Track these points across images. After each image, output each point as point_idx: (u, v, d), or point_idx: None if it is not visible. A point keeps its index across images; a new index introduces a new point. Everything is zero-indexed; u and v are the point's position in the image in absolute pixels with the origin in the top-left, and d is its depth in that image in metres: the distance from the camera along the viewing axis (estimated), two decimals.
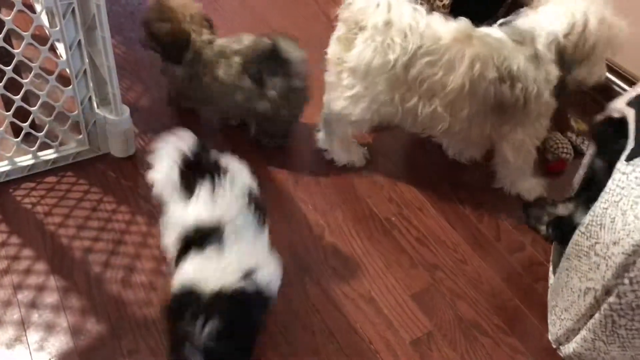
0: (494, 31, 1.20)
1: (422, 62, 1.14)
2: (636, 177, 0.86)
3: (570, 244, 0.99)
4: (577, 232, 0.96)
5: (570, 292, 1.00)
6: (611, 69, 1.64)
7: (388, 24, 1.14)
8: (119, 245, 1.15)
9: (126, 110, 1.27)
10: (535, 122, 1.24)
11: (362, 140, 1.42)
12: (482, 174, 1.39)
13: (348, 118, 1.27)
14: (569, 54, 1.19)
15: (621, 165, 0.90)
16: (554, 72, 1.18)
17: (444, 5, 1.78)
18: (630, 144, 0.92)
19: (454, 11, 1.80)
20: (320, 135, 1.39)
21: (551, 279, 1.14)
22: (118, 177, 1.28)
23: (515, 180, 1.35)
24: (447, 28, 1.16)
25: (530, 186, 1.35)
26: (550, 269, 1.18)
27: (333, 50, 1.24)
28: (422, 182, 1.38)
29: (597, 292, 0.91)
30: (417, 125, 1.25)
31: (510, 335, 1.10)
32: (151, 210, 1.22)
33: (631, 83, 1.55)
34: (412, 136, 1.48)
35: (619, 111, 1.02)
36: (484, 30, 1.19)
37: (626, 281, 0.84)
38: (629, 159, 0.90)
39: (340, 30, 1.22)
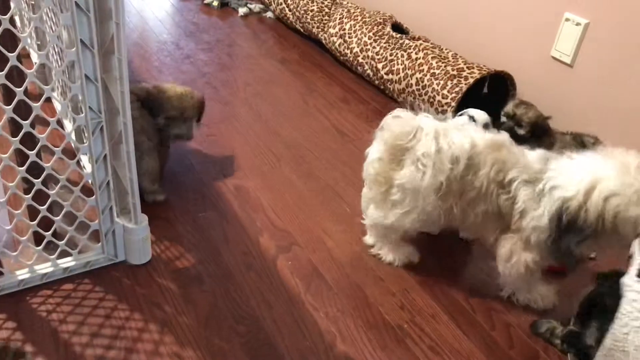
0: (529, 152, 1.28)
1: (460, 167, 1.26)
2: None
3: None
4: (597, 356, 0.95)
5: None
6: None
7: (439, 151, 1.25)
8: (131, 353, 1.15)
9: (145, 218, 1.32)
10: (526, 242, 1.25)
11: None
12: (494, 279, 1.40)
13: (398, 229, 1.37)
14: (569, 220, 1.16)
15: (632, 281, 0.91)
16: (544, 222, 1.20)
17: (447, 104, 1.87)
18: (638, 259, 0.94)
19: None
20: (369, 240, 1.48)
21: None
22: (132, 284, 1.31)
23: (517, 290, 1.36)
24: (483, 136, 1.28)
25: (536, 296, 1.35)
26: None
27: (377, 169, 1.34)
28: (433, 288, 1.39)
29: None
30: (450, 222, 1.34)
31: None
32: (164, 317, 1.23)
33: None
34: (424, 243, 1.51)
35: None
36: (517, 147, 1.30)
37: None
38: None
39: (380, 150, 1.33)
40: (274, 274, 1.39)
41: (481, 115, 1.61)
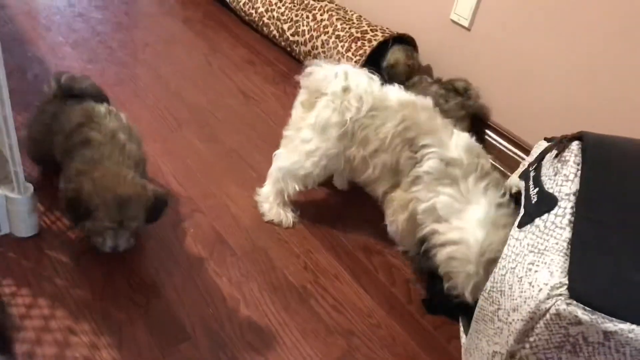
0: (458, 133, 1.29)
1: (368, 115, 1.29)
2: (528, 244, 0.92)
3: (477, 308, 1.04)
4: (481, 296, 1.01)
5: (480, 353, 1.03)
6: (509, 139, 1.78)
7: (346, 90, 1.30)
8: (19, 331, 1.08)
9: (30, 188, 1.23)
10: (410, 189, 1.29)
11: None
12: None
13: (297, 172, 1.37)
14: None
15: (514, 231, 0.96)
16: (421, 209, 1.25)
17: None
18: (522, 211, 0.99)
19: None
20: (262, 191, 1.46)
21: (463, 338, 1.18)
22: (19, 257, 1.22)
23: (408, 246, 1.37)
24: (398, 94, 1.33)
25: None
26: (461, 328, 1.22)
27: (296, 112, 1.39)
28: (336, 249, 1.41)
29: (503, 356, 0.94)
30: (351, 172, 1.37)
31: None
32: (55, 291, 1.16)
33: (527, 152, 1.68)
34: (330, 205, 1.52)
35: (514, 185, 1.11)
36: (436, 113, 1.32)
37: (527, 346, 0.89)
38: (521, 225, 0.96)
39: (302, 95, 1.38)
40: (174, 242, 1.34)
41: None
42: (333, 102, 1.31)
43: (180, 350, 1.11)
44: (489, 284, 0.98)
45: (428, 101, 1.34)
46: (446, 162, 1.22)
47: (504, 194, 1.21)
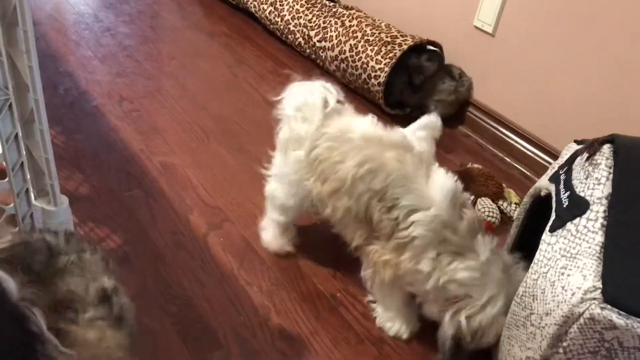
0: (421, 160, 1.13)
1: (324, 146, 1.16)
2: (560, 248, 0.91)
3: (509, 314, 1.03)
4: (513, 302, 1.00)
5: (512, 359, 1.02)
6: (536, 144, 1.77)
7: (304, 105, 1.20)
8: None
9: (65, 200, 1.26)
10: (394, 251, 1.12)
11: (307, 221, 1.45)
12: None
13: (275, 201, 1.31)
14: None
15: (546, 236, 0.96)
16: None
17: (379, 83, 1.89)
18: (553, 216, 0.98)
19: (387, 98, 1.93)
20: (264, 219, 1.41)
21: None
22: None
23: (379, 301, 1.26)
24: (363, 125, 1.17)
25: (392, 318, 1.25)
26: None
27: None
28: None
29: None
30: (313, 206, 1.25)
31: None
32: None
33: (554, 157, 1.67)
34: None
35: (544, 187, 1.10)
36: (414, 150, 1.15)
37: (560, 351, 0.88)
38: (552, 230, 0.96)
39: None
40: (205, 252, 1.36)
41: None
42: (289, 120, 1.22)
43: (213, 358, 1.13)
44: (521, 289, 0.97)
45: (396, 134, 1.17)
46: (437, 225, 1.07)
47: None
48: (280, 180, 1.27)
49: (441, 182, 1.10)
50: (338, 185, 1.14)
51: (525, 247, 1.21)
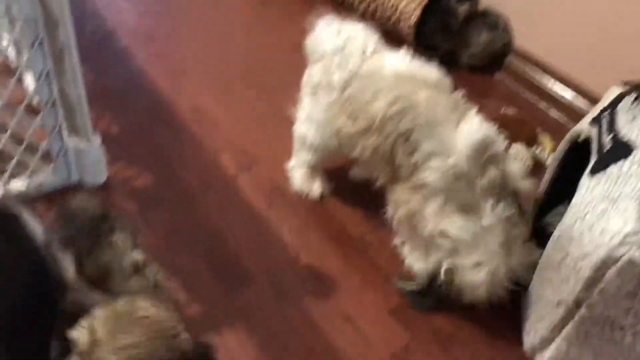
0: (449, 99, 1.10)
1: (356, 85, 1.14)
2: (600, 191, 0.89)
3: (542, 256, 1.02)
4: (548, 245, 0.99)
5: (544, 303, 1.02)
6: (575, 89, 1.72)
7: (338, 49, 1.17)
8: None
9: (97, 138, 1.27)
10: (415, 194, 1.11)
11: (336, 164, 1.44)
12: None
13: (305, 141, 1.30)
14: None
15: (585, 179, 0.93)
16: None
17: (409, 26, 1.83)
18: (594, 158, 0.96)
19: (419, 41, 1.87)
20: (293, 159, 1.40)
21: None
22: None
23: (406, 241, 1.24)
24: (397, 63, 1.14)
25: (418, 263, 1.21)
26: None
27: (304, 77, 1.28)
28: None
29: (569, 304, 0.93)
30: (341, 147, 1.23)
31: (486, 345, 1.12)
32: None
33: (593, 101, 1.61)
34: None
35: (583, 131, 1.07)
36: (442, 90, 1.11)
37: (595, 294, 0.87)
38: (593, 172, 0.94)
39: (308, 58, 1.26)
40: (235, 193, 1.37)
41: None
42: (323, 64, 1.19)
43: (244, 294, 1.15)
44: (557, 232, 0.96)
45: (433, 72, 1.12)
46: (451, 175, 1.04)
47: (513, 204, 1.07)
48: (310, 122, 1.26)
49: (470, 132, 1.05)
50: (368, 125, 1.11)
51: (558, 194, 1.19)
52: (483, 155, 1.03)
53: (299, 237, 1.28)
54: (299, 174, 1.37)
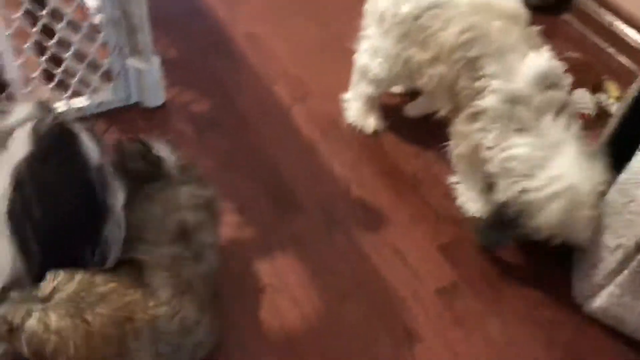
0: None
1: (429, 14, 1.12)
2: None
3: (603, 202, 0.99)
4: (611, 190, 0.96)
5: (599, 248, 1.00)
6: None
7: None
8: None
9: (157, 60, 1.28)
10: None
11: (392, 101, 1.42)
12: None
13: (367, 74, 1.27)
14: None
15: None
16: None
17: None
18: None
19: None
20: (349, 92, 1.38)
21: None
22: (148, 126, 1.30)
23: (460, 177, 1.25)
24: None
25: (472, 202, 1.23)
26: None
27: (367, 5, 1.25)
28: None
29: (629, 249, 0.92)
30: (409, 77, 1.22)
31: (535, 288, 1.11)
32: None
33: None
34: None
35: None
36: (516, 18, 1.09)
37: None
38: None
39: None
40: (289, 123, 1.37)
41: None
42: None
43: (296, 220, 1.17)
44: (623, 176, 0.93)
45: (511, 3, 1.10)
46: (511, 100, 1.02)
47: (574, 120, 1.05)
48: (374, 52, 1.23)
49: (537, 61, 1.03)
50: (437, 52, 1.11)
51: (623, 143, 1.14)
52: (545, 84, 1.03)
53: (351, 170, 1.28)
54: (355, 107, 1.35)
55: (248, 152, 1.29)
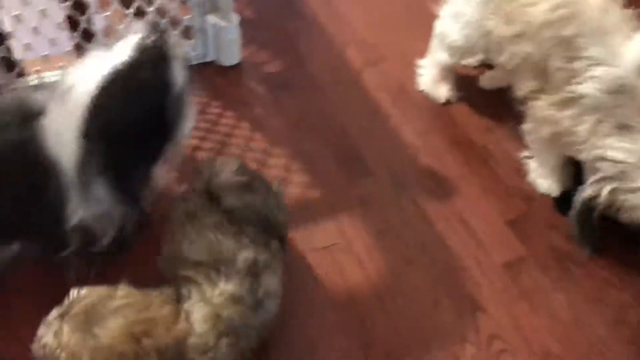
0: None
1: None
2: None
3: None
4: None
5: None
6: None
7: None
8: (225, 146, 1.21)
9: (236, 18, 1.30)
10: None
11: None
12: None
13: (445, 39, 1.24)
14: None
15: None
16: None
17: None
18: None
19: None
20: (426, 58, 1.36)
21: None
22: (224, 83, 1.32)
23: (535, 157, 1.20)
24: None
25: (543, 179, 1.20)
26: None
27: None
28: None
29: None
30: (487, 51, 1.18)
31: (603, 267, 1.08)
32: (254, 118, 1.26)
33: None
34: None
35: None
36: None
37: None
38: None
39: None
40: (360, 87, 1.37)
41: None
42: None
43: (364, 184, 1.18)
44: None
45: None
46: (615, 90, 0.95)
47: None
48: (456, 19, 1.20)
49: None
50: (523, 29, 1.05)
51: None
52: None
53: (420, 138, 1.27)
54: (429, 74, 1.33)
55: (318, 114, 1.30)
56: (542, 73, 1.06)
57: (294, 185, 1.16)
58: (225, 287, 0.77)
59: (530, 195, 1.20)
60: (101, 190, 0.86)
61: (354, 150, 1.23)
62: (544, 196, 1.19)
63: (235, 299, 0.77)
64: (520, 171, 1.24)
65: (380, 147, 1.24)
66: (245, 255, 0.80)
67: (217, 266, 0.79)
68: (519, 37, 1.06)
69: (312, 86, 1.35)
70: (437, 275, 1.05)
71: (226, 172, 0.88)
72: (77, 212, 0.85)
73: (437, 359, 0.94)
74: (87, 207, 0.86)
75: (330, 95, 1.34)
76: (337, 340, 0.95)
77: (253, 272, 0.80)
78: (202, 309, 0.76)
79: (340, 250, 1.07)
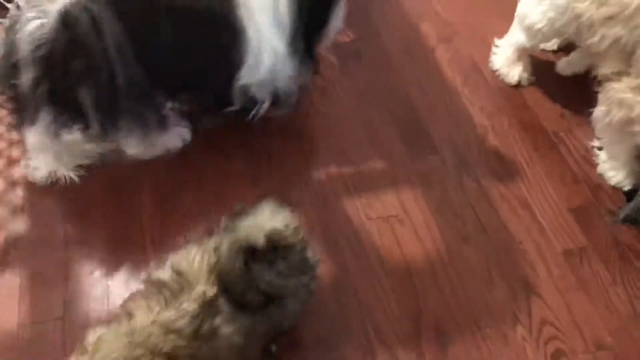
0: None
1: None
2: None
3: None
4: None
5: None
6: None
7: None
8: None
9: None
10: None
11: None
12: None
13: (525, 20, 1.21)
14: None
15: None
16: None
17: None
18: None
19: None
20: (504, 38, 1.33)
21: None
22: None
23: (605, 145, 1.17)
24: None
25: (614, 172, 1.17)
26: None
27: None
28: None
29: None
30: (576, 34, 1.14)
31: None
32: (321, 84, 1.27)
33: None
34: None
35: None
36: None
37: None
38: None
39: None
40: (431, 63, 1.36)
41: None
42: None
43: (428, 161, 1.18)
44: None
45: None
46: None
47: None
48: (541, 1, 1.16)
49: None
50: (616, 11, 1.02)
51: None
52: None
53: (489, 118, 1.26)
54: (504, 54, 1.30)
55: (387, 87, 1.30)
56: (628, 57, 1.03)
57: (357, 155, 1.18)
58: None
59: (599, 185, 1.17)
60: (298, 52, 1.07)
61: (420, 125, 1.23)
62: (613, 188, 1.16)
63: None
64: (590, 160, 1.20)
65: (447, 125, 1.24)
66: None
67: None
68: (612, 19, 1.03)
69: (383, 58, 1.35)
70: (493, 256, 1.05)
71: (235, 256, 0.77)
72: (245, 76, 1.06)
73: (486, 336, 0.95)
74: (254, 73, 1.06)
75: (400, 69, 1.33)
76: (389, 307, 0.97)
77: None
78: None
79: (398, 222, 1.08)
